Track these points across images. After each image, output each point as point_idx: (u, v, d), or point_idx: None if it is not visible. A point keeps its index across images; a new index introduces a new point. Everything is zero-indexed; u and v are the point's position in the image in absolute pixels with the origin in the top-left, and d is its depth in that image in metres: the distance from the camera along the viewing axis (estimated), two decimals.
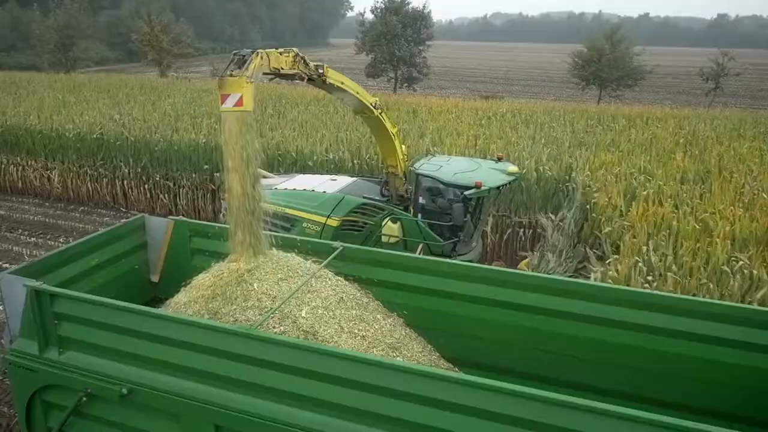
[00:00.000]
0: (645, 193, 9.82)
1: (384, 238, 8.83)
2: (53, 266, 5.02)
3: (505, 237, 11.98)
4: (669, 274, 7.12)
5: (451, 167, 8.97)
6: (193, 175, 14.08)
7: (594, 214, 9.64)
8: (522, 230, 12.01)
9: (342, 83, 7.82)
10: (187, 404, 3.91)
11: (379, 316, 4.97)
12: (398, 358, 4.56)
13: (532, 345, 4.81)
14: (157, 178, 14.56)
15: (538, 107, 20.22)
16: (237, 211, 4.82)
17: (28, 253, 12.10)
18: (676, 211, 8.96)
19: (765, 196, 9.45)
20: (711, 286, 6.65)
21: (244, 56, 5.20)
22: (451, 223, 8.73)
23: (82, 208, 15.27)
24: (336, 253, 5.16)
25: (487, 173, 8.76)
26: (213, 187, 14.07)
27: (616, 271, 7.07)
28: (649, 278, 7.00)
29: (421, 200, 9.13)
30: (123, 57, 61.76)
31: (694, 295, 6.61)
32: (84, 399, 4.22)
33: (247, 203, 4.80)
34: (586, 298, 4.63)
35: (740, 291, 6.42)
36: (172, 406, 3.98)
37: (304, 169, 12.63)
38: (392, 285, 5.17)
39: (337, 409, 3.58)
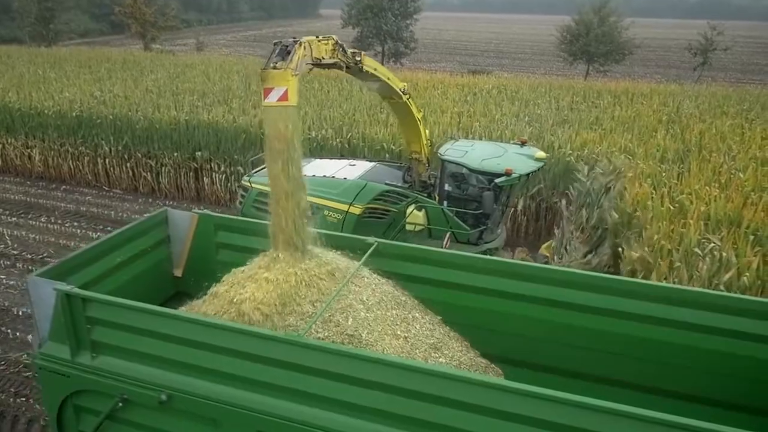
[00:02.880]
0: (630, 174, 9.83)
1: (409, 227, 8.71)
2: (79, 266, 4.90)
3: None
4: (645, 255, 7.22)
5: (476, 153, 8.81)
6: (175, 154, 13.98)
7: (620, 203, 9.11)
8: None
9: (375, 70, 7.65)
10: (229, 410, 3.84)
11: (417, 314, 4.87)
12: (440, 359, 4.55)
13: (566, 341, 4.79)
14: (139, 157, 14.46)
15: (524, 83, 20.10)
16: (281, 209, 4.64)
17: (9, 233, 12.04)
18: (654, 191, 9.00)
19: (741, 176, 9.51)
20: (681, 267, 6.72)
21: (287, 47, 4.90)
22: (480, 211, 8.60)
23: (64, 186, 15.17)
24: (371, 249, 5.03)
25: (515, 159, 8.60)
26: (195, 165, 14.00)
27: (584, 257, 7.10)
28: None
29: (447, 187, 8.96)
30: (107, 29, 60.52)
31: (665, 278, 6.71)
32: (120, 404, 4.13)
33: (291, 200, 4.63)
34: (621, 294, 4.59)
35: (708, 273, 6.49)
36: (212, 412, 3.90)
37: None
38: (426, 281, 5.09)
39: (383, 416, 3.53)
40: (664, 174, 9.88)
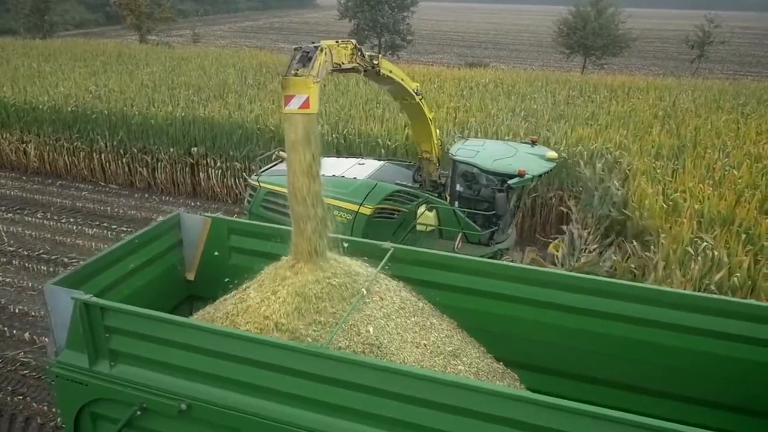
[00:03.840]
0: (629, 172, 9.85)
1: (420, 227, 8.65)
2: (94, 273, 4.90)
3: None
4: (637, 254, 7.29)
5: (488, 152, 8.75)
6: (171, 149, 13.96)
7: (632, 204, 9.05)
8: None
9: (390, 72, 7.59)
10: (250, 420, 3.83)
11: (435, 321, 4.88)
12: (459, 366, 4.58)
13: (575, 345, 4.82)
14: (135, 152, 14.44)
15: (521, 77, 20.05)
16: (302, 216, 4.61)
17: (5, 229, 12.04)
18: (649, 189, 9.03)
19: (735, 172, 9.55)
20: (675, 267, 6.77)
21: (308, 53, 4.80)
22: (492, 212, 8.58)
23: (59, 182, 15.14)
24: (388, 255, 5.02)
25: (527, 159, 8.56)
26: (191, 161, 13.99)
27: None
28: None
29: (458, 187, 8.92)
30: (102, 19, 60.05)
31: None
32: (138, 413, 4.13)
33: (311, 207, 4.60)
34: (631, 299, 4.60)
35: (700, 273, 6.54)
36: (233, 422, 3.89)
37: (281, 144, 12.54)
38: (441, 286, 5.10)
39: (407, 427, 3.53)
40: (658, 171, 9.92)
